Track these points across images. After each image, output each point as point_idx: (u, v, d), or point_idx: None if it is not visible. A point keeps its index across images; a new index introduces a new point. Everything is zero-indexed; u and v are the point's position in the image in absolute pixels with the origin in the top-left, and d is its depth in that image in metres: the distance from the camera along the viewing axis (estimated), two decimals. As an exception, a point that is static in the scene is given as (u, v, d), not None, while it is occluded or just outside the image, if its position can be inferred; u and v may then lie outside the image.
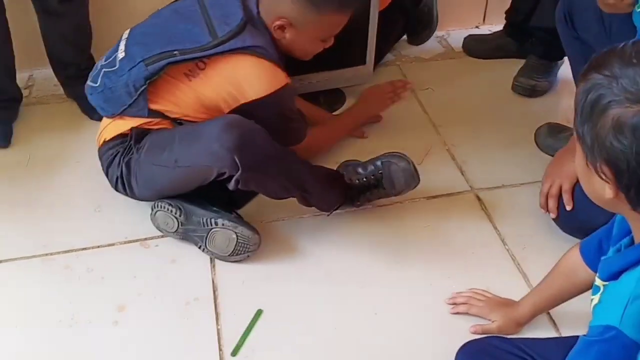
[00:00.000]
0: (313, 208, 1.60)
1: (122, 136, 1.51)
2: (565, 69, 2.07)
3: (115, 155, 1.52)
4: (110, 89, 1.48)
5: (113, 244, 1.57)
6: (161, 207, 1.51)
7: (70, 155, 1.83)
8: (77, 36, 1.93)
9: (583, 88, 0.81)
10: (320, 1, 1.44)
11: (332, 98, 2.02)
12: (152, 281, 1.48)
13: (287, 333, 1.37)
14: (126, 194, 1.57)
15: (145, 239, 1.57)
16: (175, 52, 1.41)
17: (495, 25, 2.38)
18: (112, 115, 1.52)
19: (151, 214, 1.54)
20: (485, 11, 2.42)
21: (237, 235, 1.47)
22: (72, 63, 1.97)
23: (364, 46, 1.93)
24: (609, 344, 0.83)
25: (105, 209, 1.65)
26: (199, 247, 1.53)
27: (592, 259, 1.13)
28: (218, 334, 1.36)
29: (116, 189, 1.56)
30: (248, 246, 1.49)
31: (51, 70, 2.02)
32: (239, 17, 1.43)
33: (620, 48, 0.79)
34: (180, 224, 1.51)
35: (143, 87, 1.43)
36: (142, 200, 1.58)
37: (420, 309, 1.41)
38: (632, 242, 0.91)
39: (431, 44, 2.32)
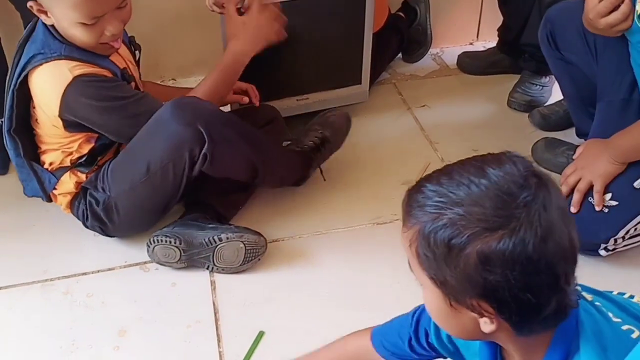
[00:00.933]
0: (312, 227, 1.59)
1: (74, 196, 1.54)
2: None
3: (85, 209, 1.53)
4: (23, 181, 1.58)
5: (112, 269, 1.56)
6: (158, 241, 1.50)
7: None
8: None
9: (420, 232, 0.73)
10: None
11: (329, 118, 2.03)
12: (152, 305, 1.47)
13: (289, 355, 1.35)
14: (118, 235, 1.59)
15: (145, 262, 1.56)
16: (1, 121, 1.48)
17: (488, 41, 2.40)
18: (50, 200, 1.57)
19: (148, 250, 1.52)
20: (478, 28, 2.44)
21: (244, 244, 1.47)
22: None
23: (359, 66, 1.95)
24: None
25: (105, 234, 1.65)
26: (207, 268, 1.52)
27: (387, 353, 1.08)
28: (220, 356, 1.35)
29: (107, 235, 1.59)
30: (257, 250, 1.49)
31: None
32: (17, 46, 1.42)
33: (446, 173, 0.74)
34: (182, 252, 1.50)
35: (25, 163, 1.50)
36: (134, 232, 1.59)
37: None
38: None
39: (426, 62, 2.35)
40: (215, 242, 1.47)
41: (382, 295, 1.48)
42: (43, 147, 1.50)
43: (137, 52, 1.59)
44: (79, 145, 1.48)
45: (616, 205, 1.43)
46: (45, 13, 1.36)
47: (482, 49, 2.37)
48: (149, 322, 1.43)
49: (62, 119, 1.40)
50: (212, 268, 1.51)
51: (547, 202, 0.70)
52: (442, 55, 2.40)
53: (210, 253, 1.49)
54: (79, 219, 1.57)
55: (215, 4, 1.71)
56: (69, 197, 1.54)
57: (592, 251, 1.48)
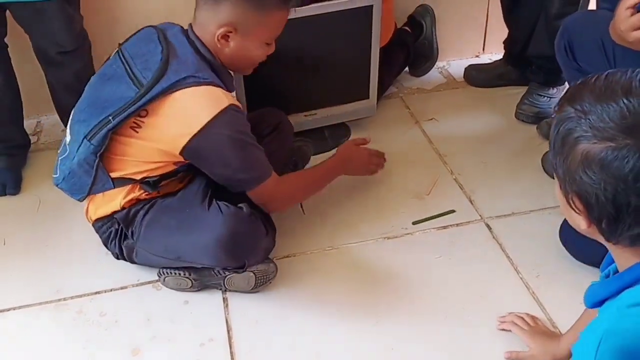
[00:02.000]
0: (323, 242, 1.64)
1: (107, 217, 1.51)
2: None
3: (109, 235, 1.53)
4: (69, 174, 1.46)
5: (125, 287, 1.57)
6: (168, 272, 1.52)
7: (79, 199, 1.84)
8: (79, 84, 1.94)
9: (557, 119, 0.83)
10: (265, 0, 1.39)
11: (337, 132, 2.04)
12: (166, 323, 1.47)
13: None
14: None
15: (157, 280, 1.56)
16: (109, 118, 1.37)
17: (495, 53, 2.41)
18: (83, 198, 1.50)
19: (159, 279, 1.54)
20: (484, 41, 2.45)
21: (254, 273, 1.48)
22: None
23: (366, 81, 1.96)
24: None
25: (117, 252, 1.65)
26: (220, 289, 1.53)
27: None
28: (234, 375, 1.36)
29: (117, 259, 1.58)
30: (267, 277, 1.51)
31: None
32: (158, 57, 1.38)
33: (592, 82, 0.81)
34: (193, 280, 1.51)
35: (96, 162, 1.41)
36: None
37: (437, 344, 1.40)
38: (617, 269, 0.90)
39: (433, 75, 2.36)
40: (224, 273, 1.49)
41: (393, 310, 1.48)
42: (120, 155, 1.43)
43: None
44: (166, 165, 1.45)
45: None
46: (228, 38, 1.41)
47: (488, 61, 2.38)
48: (163, 340, 1.43)
49: (188, 143, 1.36)
50: (225, 290, 1.53)
51: None
52: (449, 69, 2.41)
53: (221, 281, 1.50)
54: (100, 235, 1.56)
55: None
56: (102, 213, 1.51)
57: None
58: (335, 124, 2.03)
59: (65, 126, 2.00)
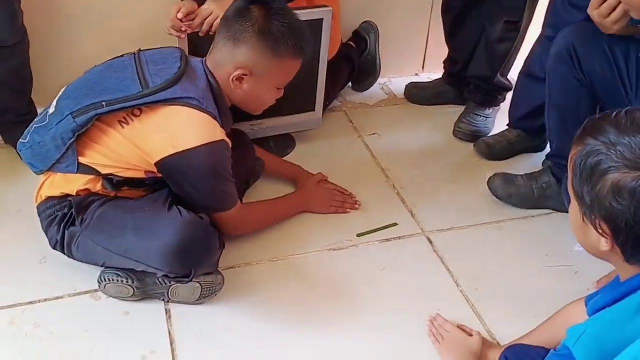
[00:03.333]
0: (268, 254, 1.63)
1: (59, 198, 1.46)
2: (502, 115, 2.19)
3: (55, 218, 1.47)
4: (39, 143, 1.43)
5: (61, 297, 1.50)
6: (109, 279, 1.46)
7: (11, 204, 1.75)
8: (16, 81, 1.86)
9: (582, 152, 0.93)
10: (281, 48, 1.45)
11: (282, 143, 2.04)
12: (105, 335, 1.42)
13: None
14: (62, 254, 1.51)
15: (96, 290, 1.51)
16: (102, 104, 1.37)
17: (434, 72, 2.49)
18: (41, 172, 1.46)
19: (100, 286, 1.48)
20: (424, 60, 2.53)
21: (200, 284, 1.45)
22: (11, 109, 1.90)
23: (313, 94, 1.98)
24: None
25: (51, 260, 1.57)
26: (163, 300, 1.49)
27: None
28: (178, 388, 1.32)
29: (54, 248, 1.51)
30: (214, 288, 1.48)
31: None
32: (174, 70, 1.42)
33: (614, 116, 0.92)
34: (135, 289, 1.46)
35: (71, 141, 1.39)
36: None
37: (381, 355, 1.42)
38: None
39: (375, 91, 2.41)
40: (169, 283, 1.45)
41: (339, 319, 1.49)
42: (99, 144, 1.40)
43: None
44: (138, 170, 1.43)
45: None
46: (242, 80, 1.47)
47: (427, 79, 2.46)
48: (102, 353, 1.38)
49: (168, 158, 1.38)
50: (168, 301, 1.49)
51: None
52: (390, 85, 2.47)
53: (165, 291, 1.47)
54: (44, 217, 1.49)
55: (173, 28, 1.70)
56: (54, 192, 1.46)
57: None
58: (281, 134, 2.03)
59: None
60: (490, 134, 2.16)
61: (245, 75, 1.47)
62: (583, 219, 0.95)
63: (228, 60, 1.46)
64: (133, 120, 1.39)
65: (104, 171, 1.42)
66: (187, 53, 1.55)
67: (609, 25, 1.47)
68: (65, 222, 1.46)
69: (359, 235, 1.73)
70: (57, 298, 1.50)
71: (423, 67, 2.56)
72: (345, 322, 1.49)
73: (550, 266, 1.67)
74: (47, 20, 1.99)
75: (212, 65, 1.49)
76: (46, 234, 1.50)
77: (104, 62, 1.54)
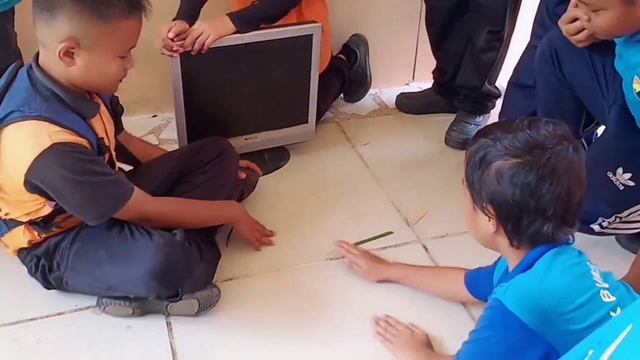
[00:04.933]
0: (266, 265, 1.65)
1: (25, 249, 1.46)
2: (492, 121, 2.22)
3: (31, 268, 1.48)
4: None
5: (62, 313, 1.52)
6: (108, 302, 1.49)
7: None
8: None
9: (473, 149, 1.11)
10: (104, 9, 1.24)
11: (276, 156, 2.08)
12: (107, 350, 1.43)
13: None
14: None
15: (97, 305, 1.52)
16: None
17: (423, 82, 2.54)
18: None
19: (99, 308, 1.51)
20: (414, 70, 2.58)
21: (197, 300, 1.47)
22: None
23: (306, 106, 2.01)
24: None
25: (52, 277, 1.60)
26: (163, 314, 1.51)
27: (475, 289, 1.48)
28: (181, 399, 1.34)
29: (47, 289, 1.52)
30: (211, 302, 1.51)
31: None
32: (2, 88, 1.31)
33: (502, 122, 1.13)
34: (134, 308, 1.49)
35: None
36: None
37: None
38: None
39: (366, 102, 2.45)
40: (165, 301, 1.48)
41: (337, 331, 1.51)
42: (2, 194, 1.37)
43: (119, 113, 1.54)
44: (39, 205, 1.36)
45: (633, 186, 1.54)
46: (72, 54, 1.26)
47: (417, 89, 2.50)
48: (104, 367, 1.40)
49: (26, 181, 1.27)
50: (168, 314, 1.51)
51: (560, 157, 1.03)
52: (381, 95, 2.51)
53: (164, 307, 1.49)
54: (25, 265, 1.50)
55: (165, 47, 1.73)
56: (12, 250, 1.48)
57: (587, 223, 1.57)
58: (275, 147, 2.06)
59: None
60: (481, 141, 2.19)
61: (73, 48, 1.25)
62: (474, 207, 1.12)
63: (49, 35, 1.25)
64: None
65: (22, 220, 1.40)
66: (23, 65, 1.36)
67: (574, 42, 1.57)
68: (42, 270, 1.47)
69: (356, 244, 1.75)
70: (58, 314, 1.51)
71: (413, 77, 2.60)
72: (345, 333, 1.51)
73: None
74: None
75: (41, 52, 1.31)
76: (35, 278, 1.51)
77: None
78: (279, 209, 1.82)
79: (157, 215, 1.45)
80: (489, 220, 1.10)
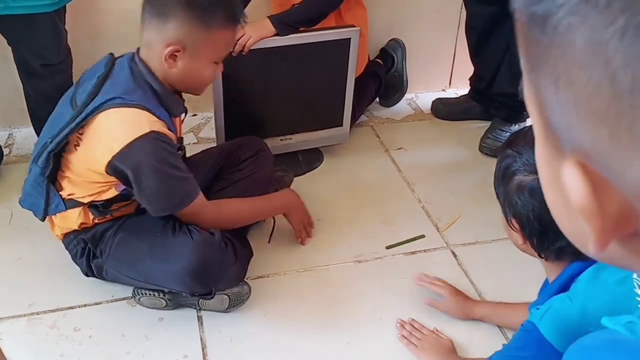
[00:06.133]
0: (296, 264, 1.68)
1: (73, 233, 1.52)
2: (527, 131, 2.22)
3: (77, 253, 1.54)
4: (27, 194, 1.49)
5: (100, 303, 1.58)
6: (142, 293, 1.54)
7: (52, 213, 1.84)
8: (60, 96, 1.95)
9: (499, 158, 1.10)
10: (210, 17, 1.36)
11: (310, 157, 2.11)
12: (140, 340, 1.49)
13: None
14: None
15: (132, 297, 1.58)
16: (48, 141, 1.39)
17: (460, 88, 2.53)
18: (43, 218, 1.50)
19: (134, 298, 1.56)
20: (451, 76, 2.58)
21: (228, 296, 1.51)
22: None
23: (341, 110, 2.03)
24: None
25: (91, 267, 1.66)
26: (195, 308, 1.56)
27: None
28: (209, 391, 1.38)
29: (87, 276, 1.58)
30: (241, 298, 1.54)
31: (31, 128, 2.04)
32: (94, 81, 1.39)
33: (526, 131, 1.08)
34: (167, 301, 1.54)
35: (45, 184, 1.43)
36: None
37: (406, 363, 1.46)
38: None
39: (402, 106, 2.46)
40: (192, 296, 1.52)
41: (363, 329, 1.53)
42: (69, 174, 1.44)
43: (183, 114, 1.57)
44: (105, 187, 1.44)
45: None
46: (176, 57, 1.37)
47: (454, 95, 2.50)
48: (137, 356, 1.45)
49: (111, 161, 1.34)
50: (200, 309, 1.56)
51: None
52: (417, 101, 2.52)
53: (195, 302, 1.54)
54: (69, 251, 1.57)
55: None
56: (64, 231, 1.55)
57: None
58: (309, 149, 2.09)
59: (38, 136, 2.02)
60: (516, 150, 2.18)
61: (178, 51, 1.37)
62: (505, 221, 1.10)
63: (157, 38, 1.37)
64: (82, 140, 1.40)
65: (85, 201, 1.45)
66: (114, 56, 1.47)
67: None
68: (86, 255, 1.53)
69: (387, 247, 1.77)
70: (96, 303, 1.57)
71: (450, 83, 2.60)
72: (370, 332, 1.53)
73: (573, 281, 1.69)
74: (88, 39, 2.09)
75: (144, 50, 1.42)
76: (76, 263, 1.57)
77: None
78: (311, 209, 1.84)
79: (211, 219, 1.50)
80: (516, 234, 1.10)
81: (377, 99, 2.43)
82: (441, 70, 2.56)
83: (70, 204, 1.46)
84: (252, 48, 1.77)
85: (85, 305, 1.57)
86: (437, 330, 1.51)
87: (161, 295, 1.53)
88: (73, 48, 1.91)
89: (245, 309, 1.57)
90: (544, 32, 0.29)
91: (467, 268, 1.73)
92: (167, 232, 1.46)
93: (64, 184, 1.45)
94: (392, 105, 2.45)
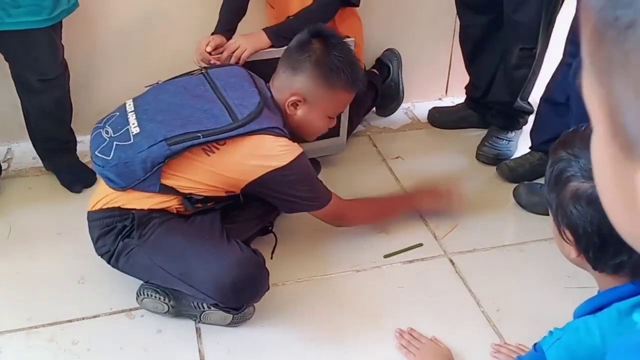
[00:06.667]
0: (295, 274, 1.68)
1: (121, 210, 1.51)
2: (524, 137, 2.23)
3: (113, 228, 1.52)
4: (125, 163, 1.45)
5: (98, 316, 1.58)
6: (147, 294, 1.53)
7: (51, 227, 1.85)
8: (58, 111, 1.96)
9: (551, 161, 0.98)
10: (334, 79, 1.57)
11: (308, 168, 2.12)
12: (139, 352, 1.48)
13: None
14: (106, 262, 1.56)
15: (131, 309, 1.58)
16: (198, 135, 1.43)
17: (456, 97, 2.54)
18: (122, 188, 1.48)
19: (137, 298, 1.55)
20: (447, 85, 2.59)
21: (231, 313, 1.51)
22: (53, 137, 2.01)
23: (338, 119, 2.04)
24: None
25: (89, 280, 1.66)
26: (194, 321, 1.55)
27: None
28: (207, 403, 1.38)
29: (101, 256, 1.56)
30: (244, 316, 1.54)
31: (29, 143, 2.05)
32: (256, 100, 1.51)
33: (582, 130, 0.95)
34: (170, 307, 1.53)
35: (161, 165, 1.43)
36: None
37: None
38: None
39: (398, 116, 2.47)
40: (203, 308, 1.51)
41: (362, 339, 1.53)
42: (181, 170, 1.47)
43: None
44: (217, 190, 1.52)
45: None
46: (297, 106, 1.59)
47: (450, 104, 2.51)
48: (136, 369, 1.45)
49: (265, 175, 1.49)
50: (199, 322, 1.55)
51: None
52: (414, 110, 2.53)
53: (198, 314, 1.53)
54: (97, 225, 1.54)
55: (203, 60, 1.79)
56: (127, 205, 1.50)
57: None
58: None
59: (37, 151, 2.03)
60: (513, 157, 2.19)
61: (300, 101, 1.58)
62: (558, 232, 0.99)
63: (286, 87, 1.59)
64: (219, 149, 1.46)
65: (183, 191, 1.50)
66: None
67: None
68: (122, 233, 1.51)
69: (385, 256, 1.77)
70: (94, 316, 1.57)
71: (446, 92, 2.61)
72: (368, 342, 1.53)
73: (571, 287, 1.68)
74: (85, 54, 2.11)
75: (275, 92, 1.61)
76: (95, 241, 1.55)
77: (170, 80, 1.62)
78: (308, 219, 1.84)
79: (347, 213, 1.71)
80: (569, 246, 0.98)
81: (374, 109, 2.44)
82: (437, 79, 2.57)
83: (164, 189, 1.48)
84: (247, 60, 1.79)
85: (83, 319, 1.57)
86: (435, 339, 1.51)
87: (166, 299, 1.52)
88: (69, 63, 1.93)
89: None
90: (625, 38, 0.28)
91: (465, 276, 1.73)
92: (216, 240, 1.51)
93: (170, 173, 1.47)
94: (388, 115, 2.46)
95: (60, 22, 1.83)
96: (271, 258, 1.76)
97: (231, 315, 1.52)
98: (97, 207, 1.55)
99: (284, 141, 1.52)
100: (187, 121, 1.46)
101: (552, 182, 0.96)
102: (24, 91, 1.91)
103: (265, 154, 1.49)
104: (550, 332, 1.03)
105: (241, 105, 1.49)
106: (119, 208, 1.52)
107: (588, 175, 0.91)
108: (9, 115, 2.10)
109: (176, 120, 1.46)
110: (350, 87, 1.61)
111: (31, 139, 2.03)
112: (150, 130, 1.45)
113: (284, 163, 1.49)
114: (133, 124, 1.49)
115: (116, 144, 1.47)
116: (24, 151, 2.16)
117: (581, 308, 1.02)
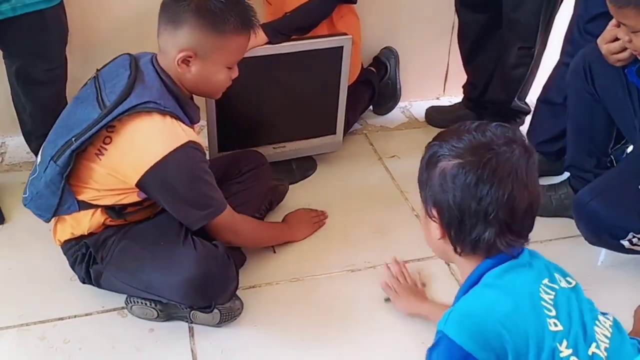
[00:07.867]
0: (288, 274, 1.68)
1: (76, 239, 1.50)
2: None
3: (76, 258, 1.52)
4: (37, 194, 1.45)
5: (90, 314, 1.56)
6: (135, 301, 1.52)
7: (42, 224, 1.80)
8: (56, 106, 1.92)
9: (425, 151, 1.07)
10: (221, 23, 1.38)
11: (304, 165, 2.10)
12: (131, 351, 1.47)
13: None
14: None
15: (123, 308, 1.57)
16: (72, 140, 1.36)
17: (454, 97, 2.53)
18: (49, 219, 1.48)
19: (127, 307, 1.55)
20: (444, 84, 2.57)
21: (219, 311, 1.50)
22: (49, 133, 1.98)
23: (334, 117, 2.03)
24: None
25: (81, 278, 1.65)
26: (186, 321, 1.55)
27: None
28: (199, 403, 1.37)
29: (83, 283, 1.56)
30: (233, 314, 1.53)
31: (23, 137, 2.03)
32: (124, 81, 1.38)
33: (456, 126, 1.06)
34: (159, 311, 1.52)
35: (62, 183, 1.39)
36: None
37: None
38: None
39: (395, 114, 2.46)
40: (190, 309, 1.51)
41: (355, 339, 1.53)
42: (86, 181, 1.42)
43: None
44: (129, 195, 1.44)
45: None
46: (189, 63, 1.40)
47: (448, 103, 2.50)
48: (127, 368, 1.44)
49: (143, 176, 1.35)
50: (190, 322, 1.54)
51: (503, 159, 0.98)
52: (411, 109, 2.52)
53: (187, 314, 1.52)
54: (68, 257, 1.54)
55: None
56: (69, 235, 1.51)
57: (617, 239, 1.54)
58: (303, 157, 2.09)
59: (31, 148, 2.01)
60: (509, 157, 2.18)
61: (190, 57, 1.39)
62: (426, 214, 1.06)
63: (171, 44, 1.40)
64: (107, 149, 1.38)
65: (102, 203, 1.44)
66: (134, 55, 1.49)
67: (612, 61, 1.55)
68: (86, 260, 1.51)
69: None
70: (86, 314, 1.56)
71: (444, 91, 2.60)
72: (362, 342, 1.52)
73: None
74: (80, 49, 2.08)
75: (160, 56, 1.45)
76: (73, 270, 1.55)
77: (74, 96, 1.52)
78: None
79: (238, 229, 1.55)
80: (434, 225, 1.05)
81: (371, 107, 2.42)
82: (435, 78, 2.55)
83: (85, 205, 1.44)
84: (244, 56, 1.77)
85: (75, 316, 1.55)
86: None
87: (153, 305, 1.51)
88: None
89: (236, 320, 1.55)
90: None
91: (460, 276, 1.71)
92: (171, 243, 1.46)
93: (80, 188, 1.43)
94: (385, 114, 2.44)
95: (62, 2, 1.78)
96: (274, 252, 1.75)
97: (218, 313, 1.50)
98: (58, 241, 1.55)
99: (161, 125, 1.35)
100: (69, 130, 1.39)
101: (425, 164, 1.05)
102: (26, 86, 1.86)
103: (140, 145, 1.35)
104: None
105: (111, 92, 1.38)
106: (73, 238, 1.51)
107: (454, 154, 0.99)
108: (3, 109, 2.07)
109: (62, 134, 1.41)
110: (241, 28, 1.41)
111: (24, 135, 2.01)
112: (45, 154, 1.44)
113: (160, 156, 1.34)
114: (40, 154, 1.48)
115: (30, 180, 1.49)
116: (18, 145, 2.13)
117: (458, 295, 1.09)
